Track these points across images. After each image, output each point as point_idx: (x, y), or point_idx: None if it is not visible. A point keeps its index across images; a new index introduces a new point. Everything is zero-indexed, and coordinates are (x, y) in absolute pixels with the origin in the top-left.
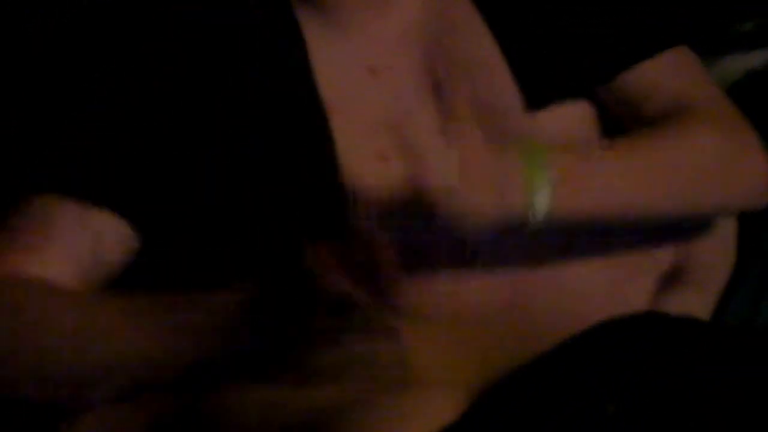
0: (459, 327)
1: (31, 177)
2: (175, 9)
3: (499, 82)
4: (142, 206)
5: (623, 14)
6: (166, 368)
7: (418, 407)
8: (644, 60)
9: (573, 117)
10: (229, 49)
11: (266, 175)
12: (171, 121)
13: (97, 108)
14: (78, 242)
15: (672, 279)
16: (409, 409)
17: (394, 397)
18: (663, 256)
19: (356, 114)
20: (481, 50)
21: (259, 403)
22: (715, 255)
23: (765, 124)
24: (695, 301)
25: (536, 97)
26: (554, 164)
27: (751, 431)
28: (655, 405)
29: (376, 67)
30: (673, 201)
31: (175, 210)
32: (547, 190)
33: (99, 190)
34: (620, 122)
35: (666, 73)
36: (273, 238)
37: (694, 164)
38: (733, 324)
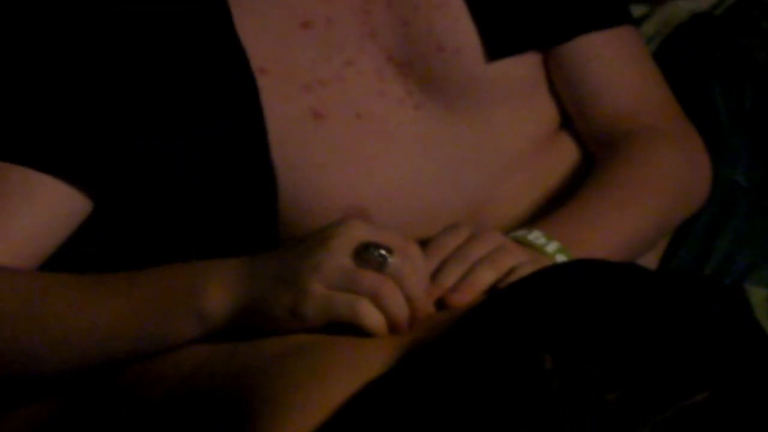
0: None
1: None
2: None
3: (456, 22)
4: (88, 172)
5: None
6: (117, 346)
7: (347, 360)
8: (603, 27)
9: (526, 72)
10: (148, 21)
11: (194, 144)
12: (102, 88)
13: (36, 78)
14: (23, 214)
15: None
16: (337, 362)
17: (322, 350)
18: None
19: (286, 70)
20: None
21: (182, 364)
22: None
23: (707, 64)
24: None
25: (494, 43)
26: (555, 236)
27: (694, 380)
28: (594, 354)
29: (311, 21)
30: (656, 226)
31: (111, 174)
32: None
33: (45, 156)
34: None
35: (622, 52)
36: (205, 208)
37: (664, 189)
38: (680, 271)
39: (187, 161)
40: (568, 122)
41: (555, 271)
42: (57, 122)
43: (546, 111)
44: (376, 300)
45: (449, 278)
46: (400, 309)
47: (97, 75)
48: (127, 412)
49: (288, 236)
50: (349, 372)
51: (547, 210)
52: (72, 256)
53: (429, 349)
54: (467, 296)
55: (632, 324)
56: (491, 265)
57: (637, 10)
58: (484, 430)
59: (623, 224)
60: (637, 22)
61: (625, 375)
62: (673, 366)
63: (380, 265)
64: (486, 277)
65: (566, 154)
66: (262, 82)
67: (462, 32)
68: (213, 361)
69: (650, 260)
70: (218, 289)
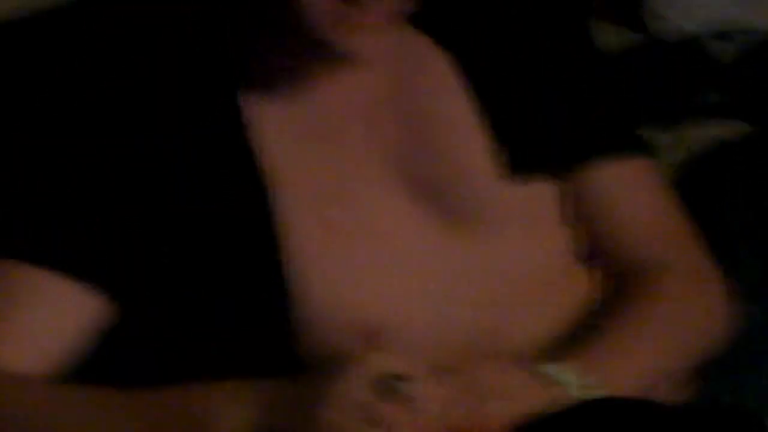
0: None
1: None
2: (112, 86)
3: (471, 143)
4: (107, 274)
5: (606, 107)
6: None
7: None
8: (618, 157)
9: (540, 196)
10: (167, 128)
11: (208, 257)
12: (115, 198)
13: (51, 180)
14: (43, 321)
15: None
16: None
17: None
18: None
19: (301, 187)
20: (455, 111)
21: None
22: None
23: (728, 193)
24: None
25: (509, 166)
26: (579, 371)
27: None
28: None
29: (325, 134)
30: (673, 363)
31: (127, 280)
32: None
33: (66, 259)
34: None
35: (637, 182)
36: (218, 320)
37: (684, 329)
38: (701, 402)
39: (200, 274)
40: (583, 251)
41: (583, 408)
42: (74, 224)
43: (560, 237)
44: None
45: (468, 412)
46: None
47: (109, 190)
48: None
49: (305, 352)
50: None
51: (562, 334)
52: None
53: None
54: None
55: None
56: (511, 401)
57: (658, 137)
58: None
59: (646, 360)
60: (662, 150)
61: None
62: None
63: (399, 398)
64: (505, 413)
65: (583, 284)
66: (276, 196)
67: (477, 153)
68: None
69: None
70: (232, 418)
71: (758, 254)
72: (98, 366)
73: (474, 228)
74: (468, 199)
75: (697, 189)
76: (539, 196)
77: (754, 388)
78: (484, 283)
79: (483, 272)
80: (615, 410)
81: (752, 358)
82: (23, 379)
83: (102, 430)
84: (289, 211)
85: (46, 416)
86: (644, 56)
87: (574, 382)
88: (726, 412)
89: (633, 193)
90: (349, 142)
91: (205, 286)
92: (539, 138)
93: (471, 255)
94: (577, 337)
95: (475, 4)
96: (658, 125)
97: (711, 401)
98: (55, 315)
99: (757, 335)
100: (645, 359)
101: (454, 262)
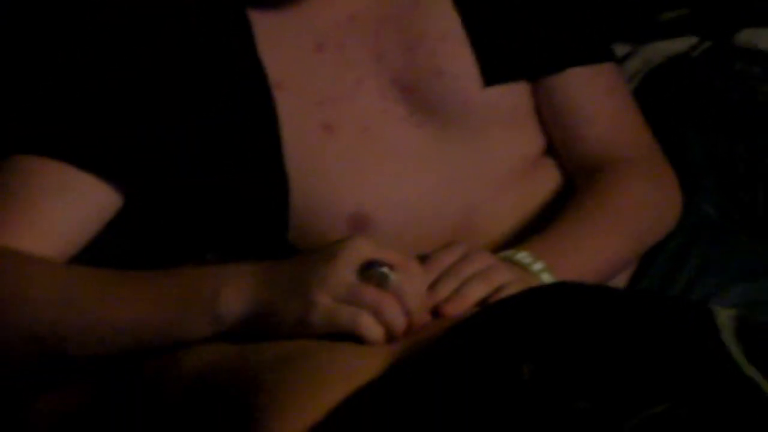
0: None
1: (10, 137)
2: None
3: (456, 51)
4: (120, 167)
5: (576, 20)
6: (138, 338)
7: (346, 364)
8: (589, 63)
9: (517, 99)
10: (172, 29)
11: (214, 152)
12: (127, 89)
13: (69, 79)
14: (59, 208)
15: None
16: (336, 366)
17: (324, 354)
18: None
19: (301, 88)
20: (443, 23)
21: (200, 361)
22: None
23: (683, 103)
24: None
25: (490, 72)
26: (540, 257)
27: (665, 394)
28: (570, 367)
29: (324, 43)
30: (630, 249)
31: (142, 170)
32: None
33: (80, 151)
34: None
35: (604, 87)
36: (222, 211)
37: (637, 219)
38: (649, 289)
39: (206, 167)
40: (552, 148)
41: (539, 291)
42: (89, 118)
43: (534, 136)
44: (377, 314)
45: (444, 291)
46: (398, 322)
47: (126, 79)
48: (150, 402)
49: (297, 239)
50: (346, 375)
51: (533, 226)
52: (95, 251)
53: (420, 357)
54: (459, 308)
55: (604, 341)
56: (482, 282)
57: (621, 49)
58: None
59: (602, 247)
60: (620, 60)
61: (595, 387)
62: (639, 379)
63: (382, 282)
64: (477, 292)
65: (551, 177)
66: (279, 97)
67: (461, 60)
68: (227, 360)
69: (622, 279)
70: (233, 293)
71: (711, 158)
72: (98, 250)
73: (460, 130)
74: (455, 104)
75: (654, 99)
76: (517, 101)
77: (704, 276)
78: (468, 180)
79: (467, 171)
80: (572, 293)
81: (703, 251)
82: (36, 259)
83: (111, 305)
84: (290, 111)
85: (59, 291)
86: None
87: (532, 264)
88: (673, 301)
89: (599, 96)
90: (348, 52)
91: (211, 178)
92: (518, 48)
93: (457, 155)
94: (544, 226)
95: None
96: (619, 40)
97: (660, 291)
98: (70, 206)
99: (710, 230)
100: (601, 246)
101: (442, 161)
